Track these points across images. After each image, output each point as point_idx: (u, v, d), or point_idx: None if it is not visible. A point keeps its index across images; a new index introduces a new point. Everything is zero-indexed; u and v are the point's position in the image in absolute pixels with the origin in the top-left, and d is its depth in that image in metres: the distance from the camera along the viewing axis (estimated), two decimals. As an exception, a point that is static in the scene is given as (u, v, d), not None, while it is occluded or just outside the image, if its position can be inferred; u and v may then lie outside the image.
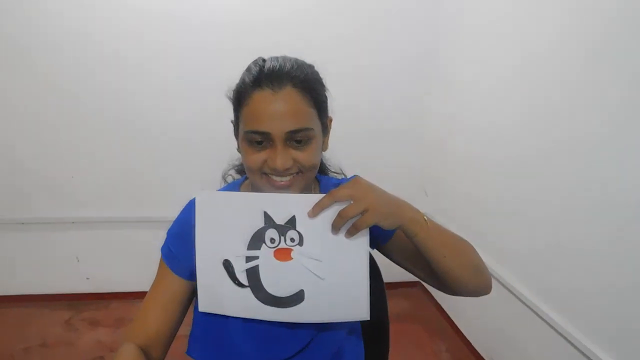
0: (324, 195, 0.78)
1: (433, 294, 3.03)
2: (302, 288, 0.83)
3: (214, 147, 2.05)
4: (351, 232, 0.78)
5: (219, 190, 1.02)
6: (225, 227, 0.82)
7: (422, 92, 2.89)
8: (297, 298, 0.83)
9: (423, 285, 3.18)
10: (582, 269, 1.63)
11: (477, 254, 0.90)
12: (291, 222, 0.80)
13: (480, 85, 2.33)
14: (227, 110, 0.94)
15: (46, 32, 2.51)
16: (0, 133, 2.64)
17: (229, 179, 1.10)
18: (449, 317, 2.77)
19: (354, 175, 0.87)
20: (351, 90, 2.68)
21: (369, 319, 0.84)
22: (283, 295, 0.83)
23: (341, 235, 0.79)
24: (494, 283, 2.03)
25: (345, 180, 1.03)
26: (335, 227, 0.78)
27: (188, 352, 0.96)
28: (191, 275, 0.90)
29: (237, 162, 1.12)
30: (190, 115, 2.72)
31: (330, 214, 0.78)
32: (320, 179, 1.03)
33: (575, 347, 1.64)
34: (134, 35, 2.57)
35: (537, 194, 1.87)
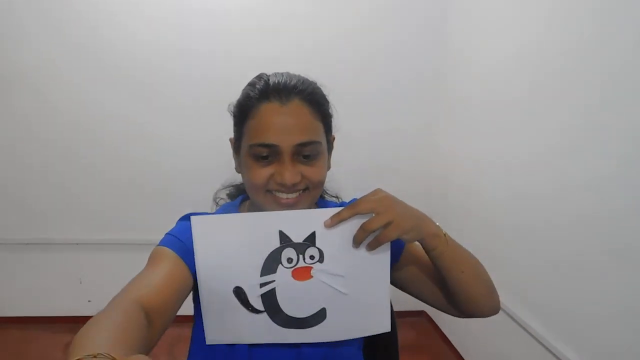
0: (343, 207, 0.75)
1: (438, 324, 2.98)
2: (324, 306, 0.80)
3: (215, 170, 2.06)
4: (373, 246, 0.76)
5: (214, 213, 0.96)
6: (233, 252, 0.76)
7: (426, 123, 2.90)
8: (318, 317, 0.80)
9: (428, 315, 3.13)
10: (591, 296, 1.60)
11: (488, 273, 0.88)
12: (310, 239, 0.76)
13: (487, 115, 2.34)
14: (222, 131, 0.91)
15: (56, 71, 2.57)
16: (6, 154, 2.67)
17: (221, 202, 1.05)
18: (454, 348, 2.72)
19: (355, 199, 0.85)
20: (355, 121, 2.70)
21: (390, 330, 0.82)
22: (304, 316, 0.79)
23: (362, 249, 0.76)
24: (500, 313, 2.00)
25: (345, 203, 1.00)
26: (357, 241, 0.75)
27: None
28: (195, 273, 0.80)
29: (229, 186, 1.07)
30: (195, 138, 2.73)
31: (351, 227, 0.75)
32: (319, 202, 1.00)
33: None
34: (143, 61, 2.62)
35: (540, 223, 1.85)
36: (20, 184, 2.71)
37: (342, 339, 0.82)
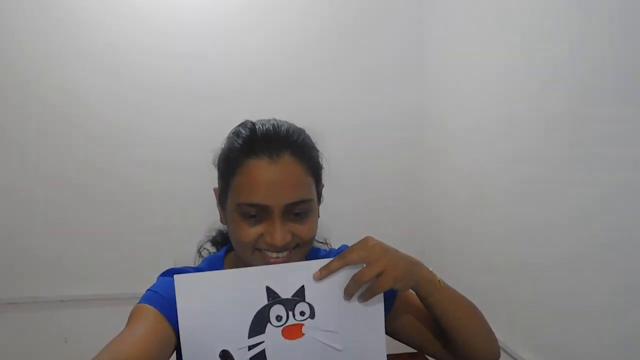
0: (332, 259, 0.73)
1: (436, 365, 2.90)
2: None
3: (192, 220, 2.05)
4: (366, 297, 0.73)
5: (197, 267, 0.93)
6: (218, 312, 0.71)
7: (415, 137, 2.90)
8: None
9: (425, 357, 3.05)
10: (593, 336, 1.56)
11: (484, 318, 0.86)
12: (300, 294, 0.73)
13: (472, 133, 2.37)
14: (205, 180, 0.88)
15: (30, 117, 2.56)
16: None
17: (205, 253, 1.02)
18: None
19: (346, 246, 0.83)
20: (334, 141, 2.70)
21: None
22: None
23: (355, 301, 0.74)
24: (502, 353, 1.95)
25: (334, 251, 0.97)
26: (349, 294, 0.73)
27: None
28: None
29: (212, 233, 1.03)
30: (176, 189, 2.71)
31: (341, 278, 0.73)
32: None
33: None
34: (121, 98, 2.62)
35: (534, 260, 1.84)
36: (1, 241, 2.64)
37: None
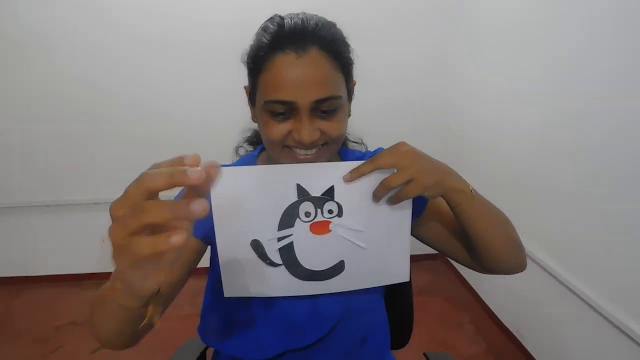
0: (362, 161, 0.71)
1: (456, 266, 3.02)
2: (342, 259, 0.78)
3: (223, 120, 2.05)
4: (393, 202, 0.73)
5: (233, 164, 0.93)
6: (250, 205, 0.72)
7: (442, 50, 2.80)
8: (337, 269, 0.78)
9: (445, 258, 3.17)
10: (607, 234, 1.60)
11: (515, 228, 0.84)
12: (329, 193, 0.73)
13: (505, 37, 2.27)
14: (236, 79, 0.85)
15: (67, 30, 2.54)
16: (26, 120, 2.69)
17: (242, 151, 1.00)
18: (472, 289, 2.76)
19: (382, 149, 0.79)
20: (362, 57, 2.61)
21: (409, 279, 0.81)
22: (322, 269, 0.78)
23: (382, 203, 0.74)
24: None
25: (369, 153, 0.95)
26: (377, 197, 0.72)
27: (202, 338, 0.91)
28: (205, 237, 0.81)
29: (248, 133, 1.01)
30: (202, 87, 2.71)
31: (371, 181, 0.72)
32: (340, 151, 0.95)
33: (602, 315, 1.62)
34: (161, 37, 2.60)
35: (565, 168, 1.82)
36: (39, 147, 2.74)
37: (359, 288, 0.81)
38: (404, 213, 0.76)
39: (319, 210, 0.74)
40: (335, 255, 0.77)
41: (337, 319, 0.86)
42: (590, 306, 1.68)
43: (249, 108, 0.84)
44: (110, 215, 0.50)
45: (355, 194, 0.73)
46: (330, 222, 0.75)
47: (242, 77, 0.84)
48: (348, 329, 0.88)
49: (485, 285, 2.63)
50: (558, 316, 1.93)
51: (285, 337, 0.84)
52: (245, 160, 0.94)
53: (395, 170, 0.69)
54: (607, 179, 1.59)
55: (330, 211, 0.74)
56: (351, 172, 0.71)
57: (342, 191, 0.73)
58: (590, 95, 1.64)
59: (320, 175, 0.72)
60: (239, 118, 0.95)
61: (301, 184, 0.72)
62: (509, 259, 0.82)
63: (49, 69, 2.61)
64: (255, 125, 0.90)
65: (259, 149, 0.94)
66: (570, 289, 1.79)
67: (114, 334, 0.68)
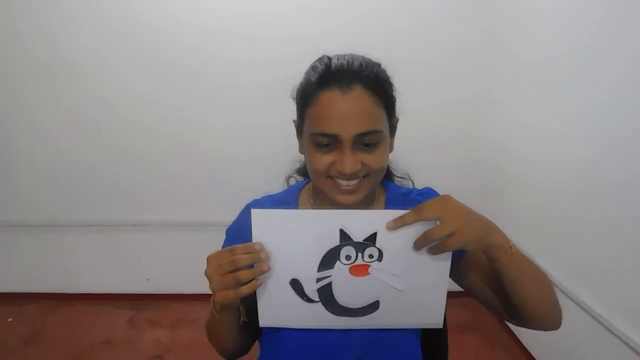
0: (406, 211, 0.72)
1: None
2: (378, 299, 0.81)
3: (273, 152, 2.07)
4: (434, 252, 0.74)
5: (274, 194, 1.00)
6: (291, 246, 0.76)
7: (480, 91, 2.77)
8: (372, 307, 0.81)
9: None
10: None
11: (553, 288, 0.84)
12: (371, 239, 0.75)
13: (541, 82, 2.23)
14: (287, 116, 0.92)
15: (110, 45, 2.64)
16: (68, 138, 2.79)
17: (292, 181, 1.07)
18: (510, 329, 2.65)
19: (430, 189, 0.92)
20: (408, 93, 2.61)
21: (442, 326, 0.82)
22: (357, 307, 0.81)
23: (423, 252, 0.75)
24: (562, 296, 1.93)
25: (415, 191, 0.99)
26: (418, 246, 0.74)
27: None
28: None
29: (298, 165, 1.08)
30: (248, 120, 2.75)
31: (413, 230, 0.73)
32: (386, 186, 0.99)
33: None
34: (190, 45, 2.64)
35: (611, 200, 1.74)
36: (81, 168, 2.83)
37: (392, 327, 0.84)
38: (443, 264, 0.77)
39: (359, 255, 0.76)
40: (371, 295, 0.80)
41: (368, 346, 0.87)
42: (633, 349, 1.58)
43: (297, 140, 0.91)
44: (209, 261, 0.76)
45: (396, 241, 0.75)
46: (369, 265, 0.77)
47: (290, 111, 0.92)
48: (379, 355, 0.89)
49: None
50: (597, 357, 1.82)
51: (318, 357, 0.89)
52: (290, 191, 1.01)
53: (439, 223, 0.70)
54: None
55: (370, 256, 0.76)
56: (395, 220, 0.72)
57: (384, 237, 0.75)
58: (631, 132, 1.59)
59: (364, 221, 0.75)
60: (287, 150, 1.02)
61: (344, 229, 0.75)
62: (543, 319, 0.84)
63: (86, 96, 2.71)
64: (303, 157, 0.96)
65: (306, 181, 1.01)
66: (614, 333, 1.69)
67: (230, 340, 0.90)
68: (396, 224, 0.72)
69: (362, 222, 0.75)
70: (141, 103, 2.73)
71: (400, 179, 1.04)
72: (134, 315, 2.88)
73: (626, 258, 1.65)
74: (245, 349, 0.98)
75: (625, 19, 1.64)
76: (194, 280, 2.89)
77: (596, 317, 1.80)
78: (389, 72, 0.85)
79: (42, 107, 2.74)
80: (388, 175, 1.02)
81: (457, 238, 0.69)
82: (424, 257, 0.76)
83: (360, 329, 0.86)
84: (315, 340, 0.87)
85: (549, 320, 0.85)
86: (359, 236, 0.75)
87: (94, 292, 3.04)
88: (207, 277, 0.74)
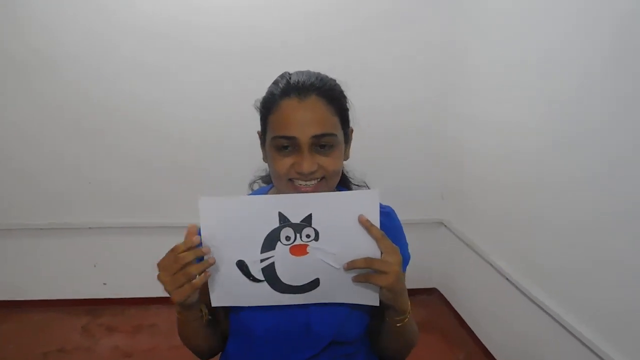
0: (338, 192, 0.86)
1: (450, 301, 2.99)
2: (318, 276, 0.88)
3: (233, 158, 2.06)
4: (359, 280, 0.84)
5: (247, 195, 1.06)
6: (236, 230, 0.84)
7: (440, 94, 2.85)
8: (312, 285, 0.88)
9: (440, 292, 3.15)
10: (608, 275, 1.59)
11: (414, 345, 1.02)
12: (307, 220, 0.83)
13: (500, 87, 2.31)
14: (249, 123, 0.98)
15: (66, 42, 2.57)
16: (18, 142, 2.70)
17: (255, 187, 1.16)
18: (467, 326, 2.73)
19: (391, 209, 1.03)
20: (368, 97, 2.63)
21: (378, 305, 0.89)
22: (299, 284, 0.88)
23: (356, 232, 0.83)
24: (514, 290, 2.12)
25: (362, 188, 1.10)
26: (351, 267, 0.83)
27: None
28: None
29: (263, 173, 1.16)
30: (207, 124, 2.73)
31: (346, 213, 0.83)
32: (341, 190, 1.04)
33: (600, 358, 1.60)
34: (153, 44, 2.61)
35: (560, 199, 1.83)
36: (35, 169, 2.74)
37: (332, 301, 0.91)
38: (375, 247, 0.84)
39: (298, 235, 0.85)
40: (311, 273, 0.88)
41: (331, 339, 0.95)
42: (588, 347, 1.66)
43: (261, 151, 1.00)
44: (158, 267, 0.83)
45: (330, 221, 0.84)
46: (308, 245, 0.85)
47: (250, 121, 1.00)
48: (340, 348, 0.98)
49: (481, 322, 2.61)
50: (553, 356, 1.90)
51: (283, 352, 0.96)
52: (256, 194, 1.08)
53: (382, 254, 0.82)
54: (603, 212, 1.60)
55: (308, 236, 0.85)
56: (364, 220, 0.82)
57: (319, 218, 0.84)
58: (587, 128, 1.67)
59: (300, 204, 0.84)
60: (251, 158, 1.09)
61: (282, 212, 0.83)
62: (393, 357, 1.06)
63: (55, 91, 2.64)
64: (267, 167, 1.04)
65: (270, 186, 1.09)
66: (567, 329, 1.77)
67: (200, 339, 0.98)
68: (366, 224, 0.82)
69: (298, 205, 0.83)
70: (96, 106, 2.67)
71: (357, 187, 1.12)
72: (90, 322, 2.80)
73: (581, 255, 1.74)
74: (219, 347, 1.06)
75: (577, 27, 1.73)
76: (152, 283, 2.85)
77: (551, 313, 1.87)
78: (344, 88, 0.96)
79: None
80: (345, 182, 1.10)
81: (384, 278, 0.81)
82: (357, 237, 0.84)
83: (320, 327, 0.94)
84: (278, 329, 0.95)
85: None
86: (296, 218, 0.84)
87: (47, 298, 2.94)
88: (161, 282, 0.82)
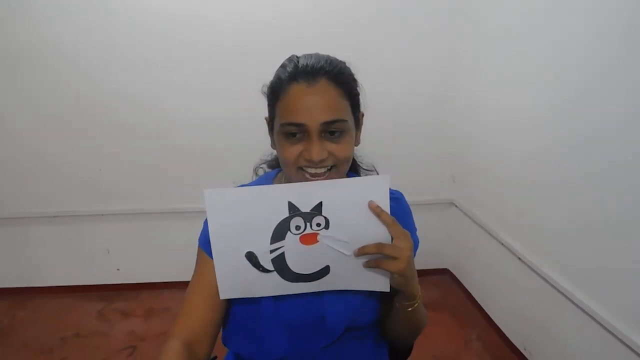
0: (348, 179, 0.84)
1: (462, 281, 3.00)
2: (328, 264, 0.86)
3: (241, 141, 2.06)
4: (370, 265, 0.83)
5: (251, 183, 1.04)
6: (244, 221, 0.82)
7: (448, 84, 2.82)
8: (323, 272, 0.87)
9: (452, 273, 3.15)
10: (615, 251, 1.58)
11: (422, 329, 1.01)
12: (317, 209, 0.81)
13: (506, 74, 2.28)
14: (256, 107, 0.96)
15: (74, 35, 2.56)
16: (31, 130, 2.71)
17: (260, 172, 1.11)
18: (479, 305, 2.73)
19: (400, 194, 1.00)
20: (378, 85, 2.59)
21: (389, 290, 0.88)
22: (309, 272, 0.87)
23: (366, 219, 0.82)
24: (524, 268, 2.11)
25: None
26: (362, 252, 0.82)
27: (224, 342, 1.00)
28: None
29: (268, 157, 1.13)
30: (220, 110, 2.72)
31: (356, 200, 0.81)
32: (351, 176, 1.02)
33: (611, 333, 1.60)
34: (160, 36, 2.59)
35: (566, 179, 1.82)
36: (45, 158, 2.76)
37: (343, 289, 0.89)
38: (386, 232, 0.82)
39: (308, 224, 0.83)
40: (322, 261, 0.86)
41: (345, 328, 0.93)
42: (599, 323, 1.65)
43: (269, 137, 0.97)
44: None
45: (341, 209, 0.82)
46: (318, 233, 0.83)
47: (260, 103, 0.97)
48: (354, 337, 0.97)
49: (492, 301, 2.61)
50: (565, 333, 1.90)
51: (296, 341, 0.93)
52: (262, 180, 1.05)
53: (392, 240, 0.81)
54: (610, 202, 1.59)
55: (318, 224, 0.83)
56: (374, 207, 0.81)
57: (329, 206, 0.82)
58: (592, 122, 1.66)
59: (310, 192, 0.81)
60: (261, 143, 1.06)
61: (292, 201, 0.81)
62: (401, 345, 1.08)
63: (71, 80, 2.64)
64: (275, 152, 1.01)
65: (277, 171, 1.06)
66: (578, 306, 1.76)
67: None
68: (376, 210, 0.81)
69: (308, 193, 0.81)
70: (106, 93, 2.67)
71: (366, 172, 1.09)
72: (105, 307, 2.84)
73: (591, 232, 1.72)
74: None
75: (585, 26, 1.70)
76: (164, 268, 2.93)
77: (561, 290, 1.87)
78: (354, 70, 0.92)
79: (3, 98, 2.65)
80: (354, 167, 1.07)
81: (396, 264, 0.79)
82: (367, 224, 0.82)
83: (335, 316, 0.92)
84: (291, 318, 0.93)
85: (401, 346, 1.10)
86: (306, 207, 0.81)
87: (63, 284, 2.99)
88: None
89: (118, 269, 3.00)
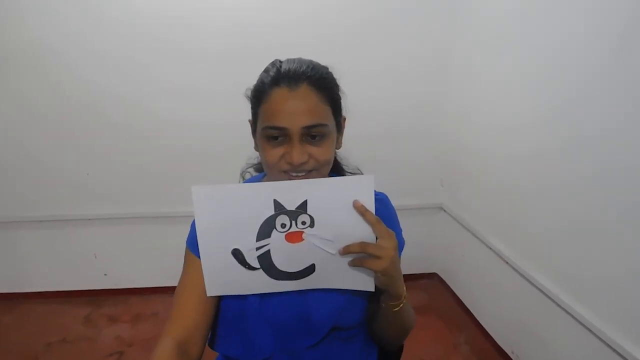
0: (333, 177, 0.85)
1: (450, 285, 3.01)
2: (313, 262, 0.87)
3: (231, 144, 2.05)
4: (355, 264, 0.84)
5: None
6: (230, 219, 0.84)
7: (438, 89, 2.83)
8: (308, 271, 0.88)
9: (440, 277, 3.16)
10: (603, 256, 1.60)
11: (410, 330, 1.02)
12: (302, 207, 0.83)
13: (495, 81, 2.31)
14: (246, 109, 0.96)
15: (63, 36, 2.53)
16: (18, 133, 2.67)
17: (247, 176, 1.13)
18: (467, 309, 2.75)
19: (385, 196, 1.02)
20: (368, 90, 2.61)
21: (373, 290, 0.89)
22: (295, 271, 0.88)
23: (350, 218, 0.83)
24: (512, 272, 2.12)
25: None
26: (346, 251, 0.83)
27: (210, 345, 1.00)
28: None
29: (255, 161, 1.14)
30: (210, 113, 2.71)
31: (341, 199, 0.82)
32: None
33: (597, 337, 1.61)
34: (149, 38, 2.57)
35: (554, 183, 1.84)
36: (34, 162, 2.73)
37: (328, 287, 0.91)
38: (370, 232, 0.83)
39: (293, 222, 0.84)
40: (307, 259, 0.87)
41: (331, 327, 0.95)
42: (585, 326, 1.67)
43: (252, 139, 0.98)
44: None
45: (326, 208, 0.83)
46: (303, 232, 0.85)
47: (244, 106, 0.98)
48: (340, 336, 0.99)
49: (481, 305, 2.62)
50: (553, 336, 1.92)
51: (282, 341, 0.95)
52: (248, 182, 1.05)
53: (377, 240, 0.82)
54: (597, 206, 1.60)
55: (303, 222, 0.84)
56: (359, 206, 0.82)
57: (314, 205, 0.83)
58: (579, 128, 1.68)
59: (295, 190, 0.83)
60: (247, 147, 1.06)
61: (277, 199, 0.83)
62: (386, 346, 1.08)
63: (59, 82, 2.61)
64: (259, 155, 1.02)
65: (263, 174, 1.06)
66: (565, 310, 1.78)
67: None
68: (360, 209, 0.82)
69: (293, 191, 0.82)
70: (96, 95, 2.64)
71: (350, 174, 1.10)
72: (92, 312, 2.81)
73: (578, 238, 1.74)
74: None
75: (577, 33, 1.73)
76: (153, 273, 2.91)
77: (548, 294, 1.89)
78: (337, 75, 0.94)
79: None
80: (338, 169, 1.08)
81: (379, 263, 0.81)
82: (352, 223, 0.83)
83: (320, 314, 0.93)
84: (278, 319, 0.94)
85: (390, 348, 1.10)
86: (291, 205, 0.83)
87: (49, 289, 2.95)
88: None
89: (105, 274, 2.97)
